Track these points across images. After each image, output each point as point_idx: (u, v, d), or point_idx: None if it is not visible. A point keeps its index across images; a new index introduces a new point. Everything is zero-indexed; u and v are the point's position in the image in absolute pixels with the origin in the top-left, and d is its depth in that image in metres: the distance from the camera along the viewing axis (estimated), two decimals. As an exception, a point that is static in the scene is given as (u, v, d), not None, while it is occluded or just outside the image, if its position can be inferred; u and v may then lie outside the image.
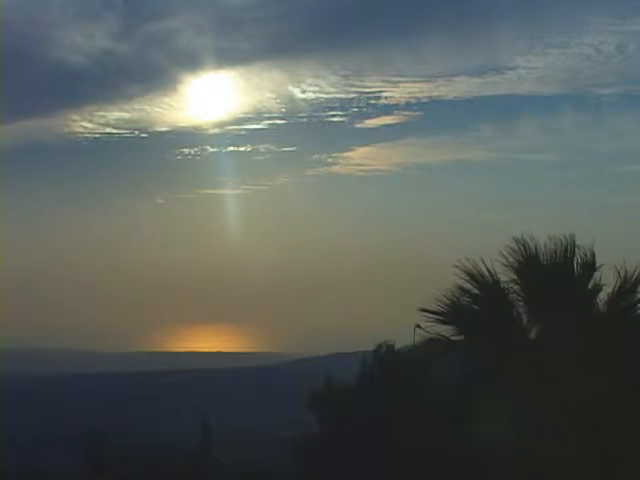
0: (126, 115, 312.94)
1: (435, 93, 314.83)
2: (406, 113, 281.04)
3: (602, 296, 14.33)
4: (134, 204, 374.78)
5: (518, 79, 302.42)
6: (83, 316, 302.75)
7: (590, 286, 14.40)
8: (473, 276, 14.51)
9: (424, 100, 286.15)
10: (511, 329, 14.46)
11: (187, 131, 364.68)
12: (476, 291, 14.56)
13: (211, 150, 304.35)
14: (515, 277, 14.53)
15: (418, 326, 14.54)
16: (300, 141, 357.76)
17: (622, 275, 14.14)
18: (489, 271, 14.53)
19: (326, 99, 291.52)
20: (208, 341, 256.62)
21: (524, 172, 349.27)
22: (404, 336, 15.66)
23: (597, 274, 14.40)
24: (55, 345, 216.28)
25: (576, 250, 14.40)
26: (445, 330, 14.53)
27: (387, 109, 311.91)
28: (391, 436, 20.69)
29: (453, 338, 14.57)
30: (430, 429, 14.96)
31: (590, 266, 14.36)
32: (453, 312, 14.47)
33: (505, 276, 14.57)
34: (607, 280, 14.34)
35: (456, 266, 14.53)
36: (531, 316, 14.50)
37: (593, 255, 14.37)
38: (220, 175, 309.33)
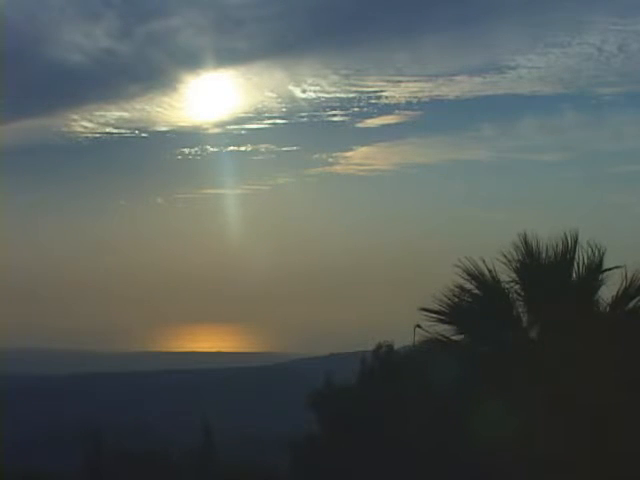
0: (126, 114, 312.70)
1: (436, 93, 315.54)
2: (406, 113, 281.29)
3: (606, 296, 14.25)
4: (134, 204, 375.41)
5: (519, 79, 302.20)
6: (83, 316, 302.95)
7: (592, 286, 14.34)
8: (473, 276, 14.48)
9: (425, 100, 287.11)
10: (511, 329, 14.43)
11: (187, 131, 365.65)
12: (476, 291, 14.53)
13: (211, 150, 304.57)
14: (515, 276, 14.50)
15: (418, 326, 14.52)
16: (301, 141, 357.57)
17: (629, 277, 14.05)
18: (489, 271, 14.51)
19: (327, 98, 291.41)
20: (208, 341, 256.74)
21: (524, 172, 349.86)
22: (404, 336, 15.65)
23: (603, 275, 14.30)
24: (55, 345, 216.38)
25: (577, 250, 14.36)
26: (445, 330, 14.50)
27: (388, 109, 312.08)
28: (391, 436, 20.69)
29: (453, 338, 14.54)
30: (430, 429, 14.94)
31: (595, 266, 14.28)
32: (453, 312, 14.44)
33: (506, 275, 14.55)
34: (613, 281, 14.27)
35: (456, 266, 14.50)
36: (531, 316, 14.47)
37: (601, 256, 14.28)
38: (220, 175, 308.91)
